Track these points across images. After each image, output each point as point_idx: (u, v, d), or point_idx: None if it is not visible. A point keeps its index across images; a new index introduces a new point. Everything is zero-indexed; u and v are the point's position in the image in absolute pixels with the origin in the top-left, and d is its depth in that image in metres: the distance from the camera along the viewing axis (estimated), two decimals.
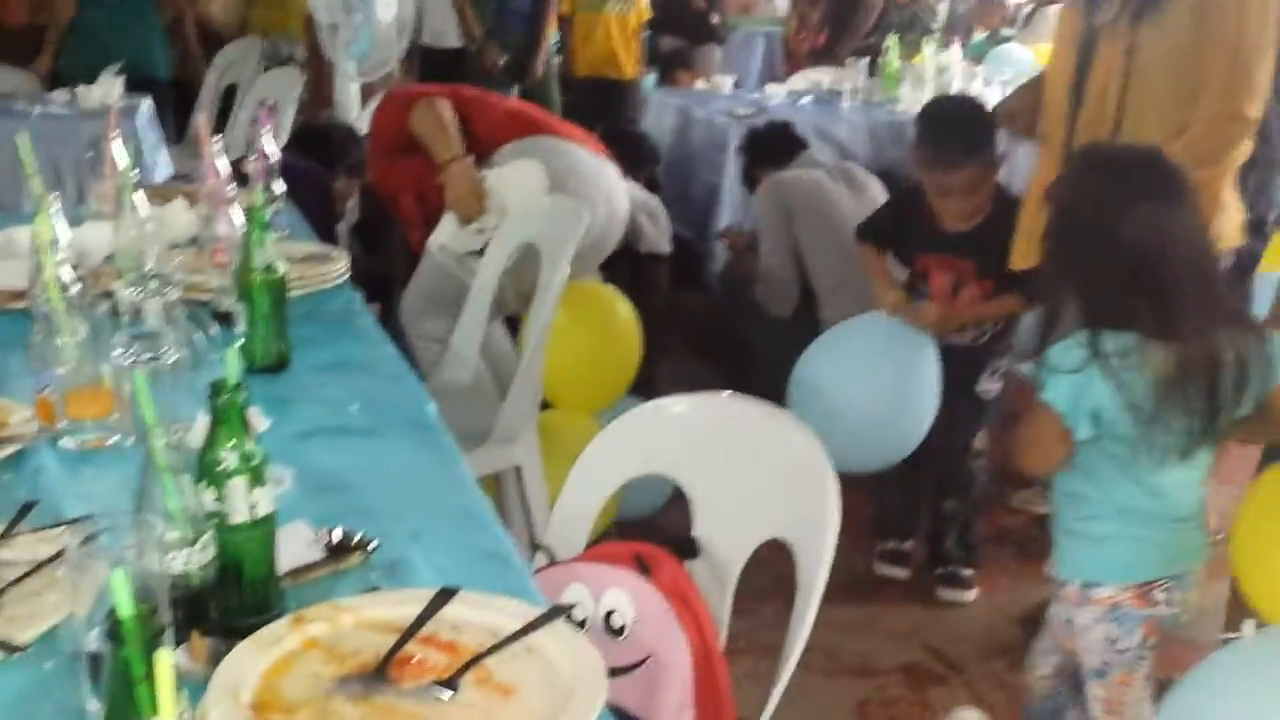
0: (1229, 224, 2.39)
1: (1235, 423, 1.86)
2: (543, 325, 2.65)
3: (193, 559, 1.12)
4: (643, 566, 1.49)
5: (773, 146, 3.92)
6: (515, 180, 2.97)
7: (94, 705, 1.02)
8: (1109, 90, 2.34)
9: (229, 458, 1.14)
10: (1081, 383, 1.80)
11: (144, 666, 0.78)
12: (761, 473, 1.59)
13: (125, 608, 0.79)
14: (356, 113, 4.59)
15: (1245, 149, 2.29)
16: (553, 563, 1.59)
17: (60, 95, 4.23)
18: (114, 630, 0.80)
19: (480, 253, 2.93)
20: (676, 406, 1.68)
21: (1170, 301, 1.78)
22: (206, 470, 1.14)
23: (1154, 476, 1.86)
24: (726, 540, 1.61)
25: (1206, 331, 1.79)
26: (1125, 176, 1.88)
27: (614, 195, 3.18)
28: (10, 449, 1.52)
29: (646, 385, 3.15)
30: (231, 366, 1.16)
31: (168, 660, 0.68)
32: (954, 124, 2.85)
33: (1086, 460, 1.87)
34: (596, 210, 2.95)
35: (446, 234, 3.01)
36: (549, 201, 2.90)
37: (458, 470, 1.56)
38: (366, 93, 4.62)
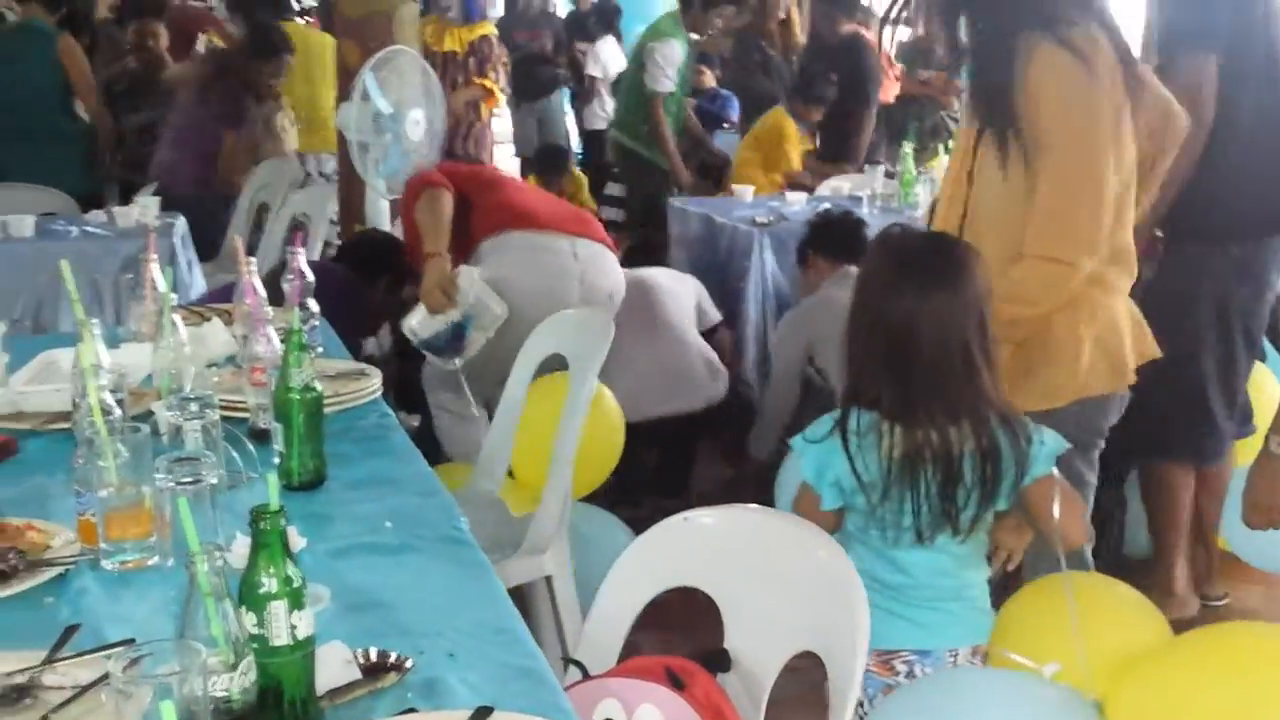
0: (1085, 373, 2.23)
1: (996, 514, 1.93)
2: (571, 436, 2.68)
3: (235, 683, 1.13)
4: (676, 681, 1.50)
5: (838, 239, 3.98)
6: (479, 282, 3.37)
7: None
8: (951, 211, 2.31)
9: (269, 582, 1.17)
10: (823, 454, 1.90)
11: None
12: (791, 584, 1.60)
13: None
14: (387, 228, 4.69)
15: (1074, 291, 2.17)
16: (586, 678, 1.60)
17: (97, 215, 4.35)
18: None
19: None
20: (705, 518, 1.70)
21: (910, 386, 1.86)
22: (247, 594, 1.17)
23: (896, 553, 1.92)
24: (759, 652, 1.62)
25: (942, 420, 1.85)
26: (900, 259, 1.96)
27: (597, 281, 3.48)
28: (53, 572, 1.55)
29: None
30: (272, 491, 1.19)
31: None
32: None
33: (847, 527, 1.96)
34: (569, 297, 3.38)
35: (416, 320, 3.41)
36: (577, 314, 2.95)
37: (491, 586, 1.58)
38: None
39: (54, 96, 4.95)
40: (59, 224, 4.23)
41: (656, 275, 4.14)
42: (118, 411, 1.68)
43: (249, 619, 1.16)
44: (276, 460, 1.87)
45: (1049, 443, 1.92)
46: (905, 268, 1.93)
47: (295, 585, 1.18)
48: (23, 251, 3.93)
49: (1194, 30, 2.97)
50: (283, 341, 1.97)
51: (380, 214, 4.74)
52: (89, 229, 4.15)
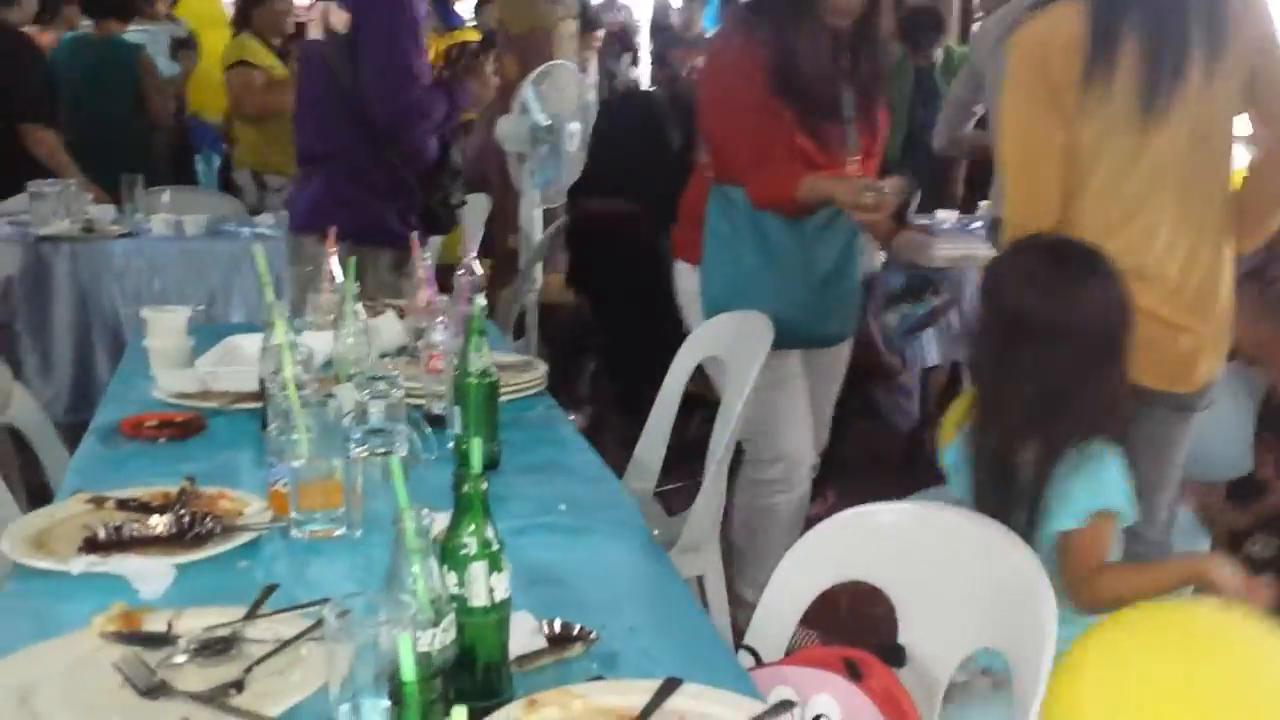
0: None
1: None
2: (727, 440, 2.68)
3: (436, 639, 1.16)
4: (853, 672, 1.48)
5: None
6: None
7: None
8: None
9: (471, 543, 1.19)
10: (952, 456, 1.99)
11: None
12: (971, 582, 1.57)
13: (408, 672, 0.83)
14: (539, 236, 4.77)
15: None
16: (759, 665, 1.59)
17: (266, 218, 4.51)
18: (396, 693, 0.84)
19: None
20: (883, 514, 1.68)
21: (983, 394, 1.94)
22: (449, 555, 1.19)
23: None
24: (934, 649, 1.59)
25: (1009, 429, 1.86)
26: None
27: None
28: (247, 536, 1.60)
29: None
30: (475, 456, 1.22)
31: (461, 716, 0.71)
32: None
33: None
34: None
35: None
36: (735, 318, 2.95)
37: (666, 568, 1.59)
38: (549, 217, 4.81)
39: (133, 106, 5.25)
40: (229, 226, 4.40)
41: None
42: (310, 387, 1.73)
43: (450, 579, 1.18)
44: (451, 444, 1.91)
45: (1081, 497, 1.80)
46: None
47: (494, 549, 1.20)
48: (196, 249, 4.10)
49: None
50: (462, 330, 2.02)
51: (533, 222, 4.81)
52: (258, 229, 4.31)
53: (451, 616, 1.17)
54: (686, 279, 3.23)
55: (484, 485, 1.20)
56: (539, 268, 4.84)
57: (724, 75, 2.80)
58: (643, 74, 8.33)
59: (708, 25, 9.41)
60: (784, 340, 2.70)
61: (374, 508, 1.65)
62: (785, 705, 1.18)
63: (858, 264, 3.00)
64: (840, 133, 2.75)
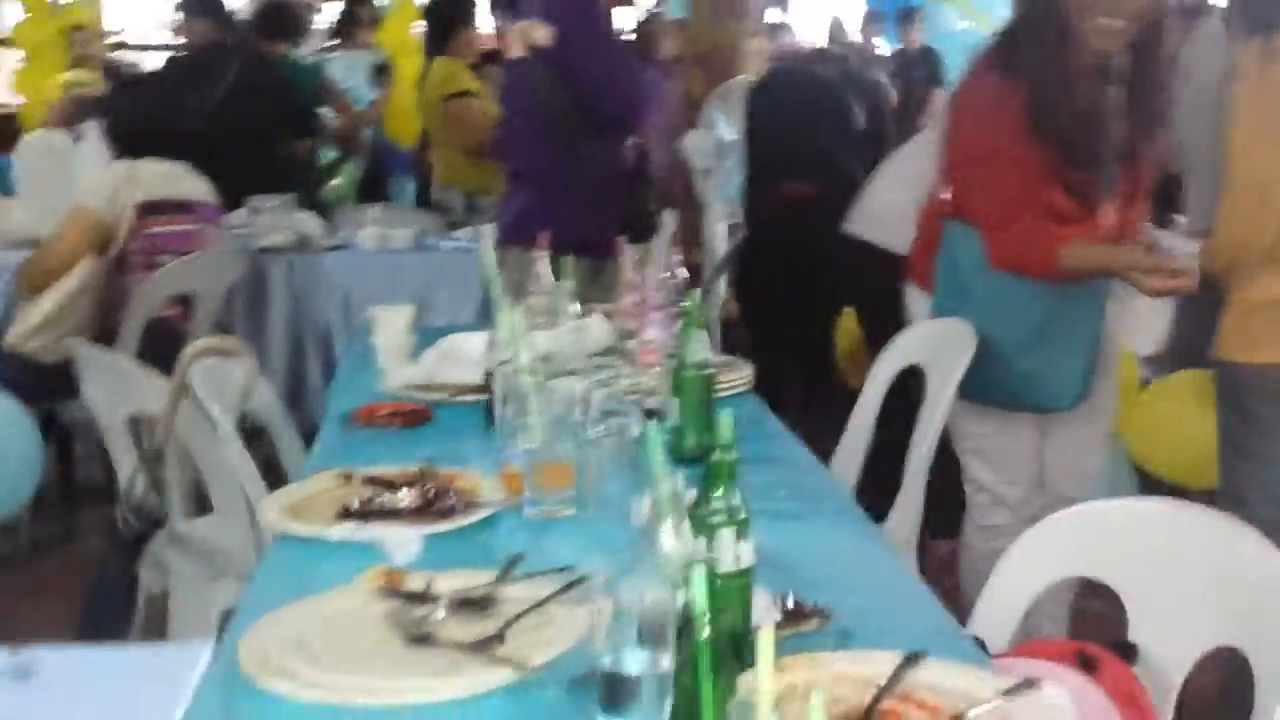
0: None
1: None
2: (929, 444, 2.67)
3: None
4: (1087, 665, 1.47)
5: None
6: None
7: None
8: None
9: (720, 509, 1.23)
10: None
11: (712, 661, 0.86)
12: (1206, 578, 1.54)
13: (700, 601, 0.87)
14: (723, 249, 4.82)
15: None
16: (985, 655, 1.58)
17: (466, 232, 4.68)
18: (684, 628, 0.88)
19: None
20: (1113, 509, 1.66)
21: None
22: (698, 521, 1.24)
23: None
24: (1168, 648, 1.56)
25: None
26: None
27: None
28: (488, 511, 1.69)
29: None
30: (724, 427, 1.26)
31: (768, 636, 0.75)
32: None
33: None
34: None
35: None
36: (936, 324, 2.94)
37: (893, 554, 1.61)
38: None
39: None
40: (429, 240, 4.58)
41: None
42: (540, 374, 1.81)
43: (699, 544, 1.23)
44: (669, 438, 1.96)
45: None
46: None
47: (742, 516, 1.24)
48: (402, 262, 4.28)
49: None
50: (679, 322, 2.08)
51: (716, 236, 4.88)
52: (459, 243, 4.47)
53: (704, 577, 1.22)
54: (919, 305, 3.01)
55: (733, 455, 1.25)
56: (722, 282, 4.90)
57: (974, 116, 2.58)
58: None
59: (888, 43, 9.39)
60: (1009, 400, 2.62)
61: (606, 490, 1.71)
62: (1030, 682, 1.18)
63: (1102, 323, 2.73)
64: (1096, 179, 2.50)
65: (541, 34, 3.43)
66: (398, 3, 8.70)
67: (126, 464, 2.39)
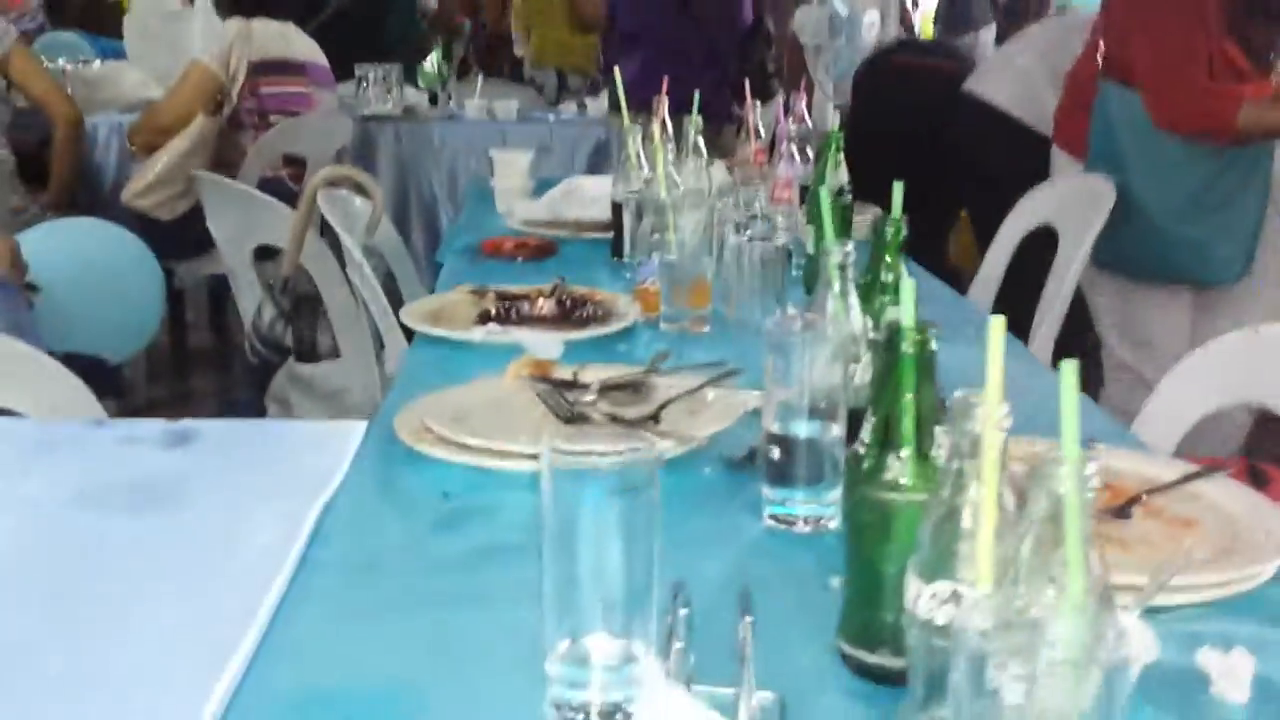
0: None
1: None
2: (1058, 312, 2.59)
3: (855, 376, 1.16)
4: (1256, 478, 1.41)
5: None
6: None
7: (767, 490, 1.10)
8: None
9: (888, 284, 1.19)
10: None
11: (914, 375, 0.83)
12: None
13: (908, 317, 0.83)
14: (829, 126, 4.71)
15: None
16: None
17: (568, 106, 4.64)
18: (890, 339, 0.84)
19: None
20: (1275, 331, 1.58)
21: None
22: (866, 299, 1.20)
23: None
24: None
25: None
26: None
27: None
28: (627, 320, 1.66)
29: None
30: (897, 198, 1.21)
31: (1000, 326, 0.71)
32: None
33: None
34: None
35: None
36: (1067, 182, 2.83)
37: (1046, 369, 1.55)
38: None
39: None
40: (536, 113, 4.53)
41: None
42: (681, 189, 1.76)
43: (867, 320, 1.19)
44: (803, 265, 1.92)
45: None
46: None
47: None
48: (508, 131, 4.24)
49: None
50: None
51: (826, 117, 4.75)
52: (563, 116, 4.43)
53: (869, 357, 1.18)
54: (1070, 173, 2.86)
55: (904, 230, 1.20)
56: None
57: None
58: None
59: None
60: (1165, 272, 2.50)
61: (743, 311, 1.67)
62: (1218, 467, 1.13)
63: (1266, 193, 2.60)
64: (1275, 31, 2.35)
65: None
66: None
67: (252, 296, 2.40)
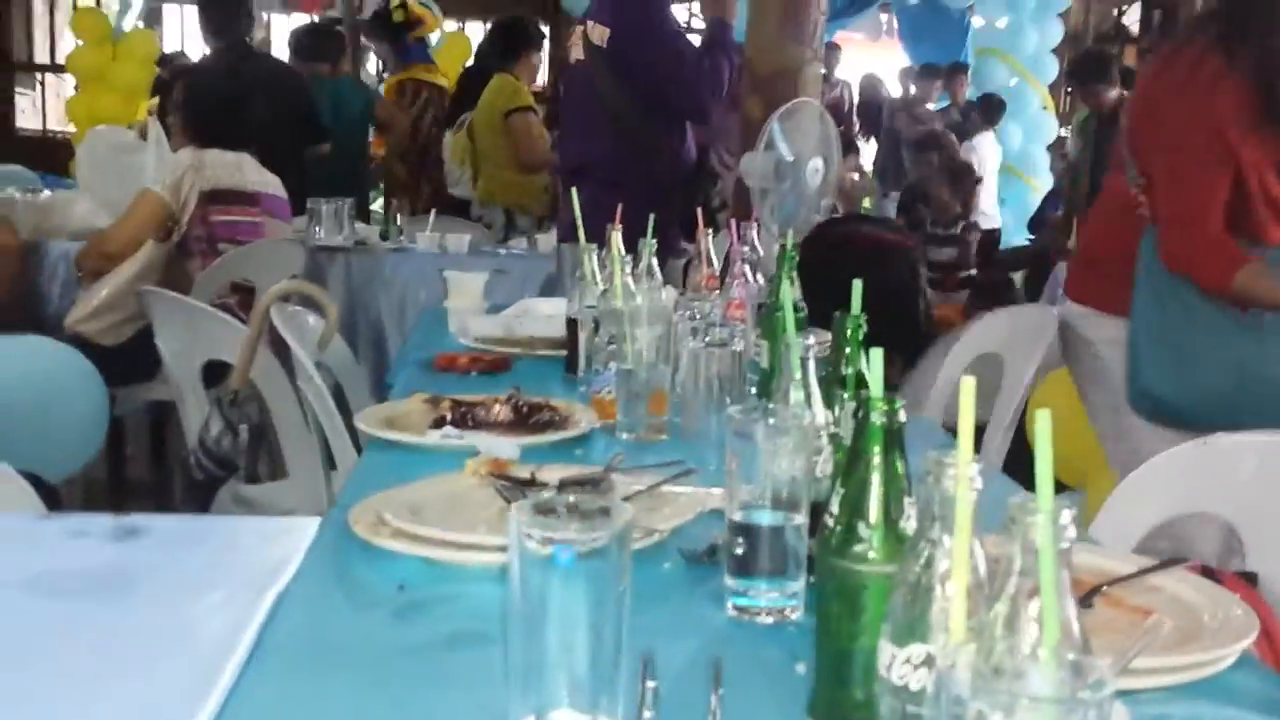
0: None
1: None
2: (1001, 435, 2.64)
3: (816, 468, 1.17)
4: (1210, 577, 1.42)
5: None
6: None
7: (730, 581, 1.09)
8: None
9: (847, 382, 1.20)
10: None
11: (880, 441, 0.83)
12: None
13: (877, 388, 0.84)
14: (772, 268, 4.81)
15: None
16: None
17: (519, 242, 4.72)
18: (860, 410, 0.85)
19: None
20: (1223, 441, 1.61)
21: None
22: (828, 394, 1.21)
23: None
24: None
25: None
26: None
27: None
28: (583, 427, 1.65)
29: None
30: (855, 298, 1.23)
31: (970, 386, 0.72)
32: None
33: None
34: None
35: None
36: (1010, 313, 2.91)
37: (998, 472, 1.56)
38: None
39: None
40: (486, 248, 4.59)
41: None
42: (638, 300, 1.78)
43: (828, 414, 1.19)
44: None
45: None
46: None
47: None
48: (459, 264, 4.26)
49: None
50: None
51: (773, 258, 4.85)
52: (514, 251, 4.49)
53: (830, 450, 1.18)
54: (1093, 328, 2.50)
55: (863, 326, 1.22)
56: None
57: (1180, 106, 2.20)
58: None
59: (942, 101, 9.42)
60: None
61: (700, 422, 1.68)
62: (1177, 560, 1.14)
63: None
64: None
65: (599, 34, 3.47)
66: (450, 37, 8.85)
67: (198, 413, 2.37)
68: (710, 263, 2.65)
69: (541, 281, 4.21)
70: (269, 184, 3.82)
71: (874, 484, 0.84)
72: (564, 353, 2.14)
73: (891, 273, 4.26)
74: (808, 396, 1.18)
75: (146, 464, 4.43)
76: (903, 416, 0.85)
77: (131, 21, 9.09)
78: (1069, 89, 10.80)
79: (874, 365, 0.87)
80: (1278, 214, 2.19)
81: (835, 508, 0.86)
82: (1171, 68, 2.27)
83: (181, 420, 2.54)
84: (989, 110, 8.58)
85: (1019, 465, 2.78)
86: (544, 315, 2.36)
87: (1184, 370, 2.21)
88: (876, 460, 0.83)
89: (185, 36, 9.72)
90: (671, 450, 1.64)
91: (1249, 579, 1.51)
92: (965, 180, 6.89)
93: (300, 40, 5.93)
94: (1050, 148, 9.14)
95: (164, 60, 7.75)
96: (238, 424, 2.17)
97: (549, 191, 5.39)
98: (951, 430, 2.47)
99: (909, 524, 0.84)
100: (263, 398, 2.26)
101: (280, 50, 7.17)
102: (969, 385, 0.73)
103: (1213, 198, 2.16)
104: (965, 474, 0.72)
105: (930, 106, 9.06)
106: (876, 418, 0.84)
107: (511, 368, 2.18)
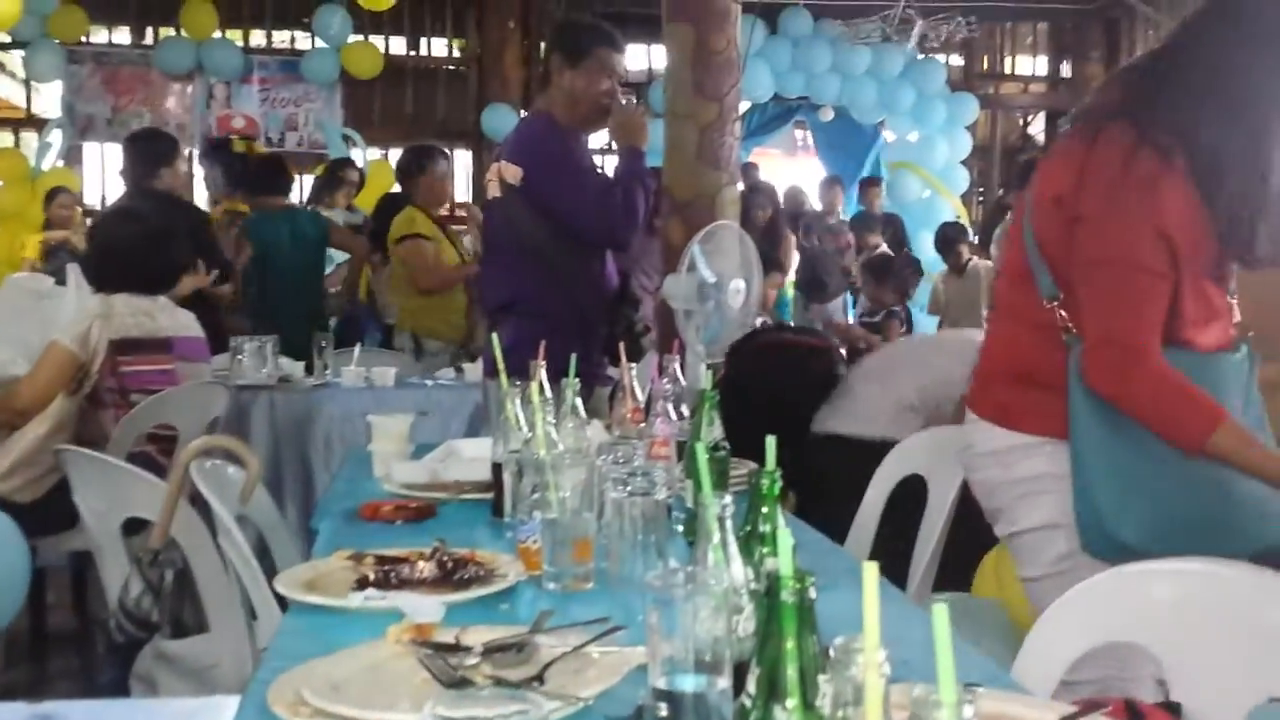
0: None
1: None
2: (930, 553, 2.65)
3: (739, 626, 1.17)
4: (1135, 717, 1.43)
5: None
6: None
7: None
8: None
9: (765, 535, 1.21)
10: None
11: (795, 624, 0.84)
12: (1251, 636, 1.51)
13: (787, 566, 0.85)
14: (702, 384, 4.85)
15: None
16: None
17: (446, 372, 4.71)
18: (771, 589, 0.85)
19: None
20: (1146, 573, 1.64)
21: None
22: (746, 550, 1.21)
23: None
24: (1213, 706, 1.52)
25: None
26: None
27: None
28: (509, 580, 1.64)
29: None
30: (770, 452, 1.25)
31: (873, 573, 0.73)
32: None
33: None
34: None
35: None
36: (934, 434, 2.95)
37: (923, 611, 1.57)
38: None
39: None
40: (414, 379, 4.58)
41: None
42: (560, 447, 1.79)
43: (748, 571, 1.20)
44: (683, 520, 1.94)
45: None
46: None
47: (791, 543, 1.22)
48: (385, 399, 4.26)
49: None
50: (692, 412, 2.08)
51: (699, 378, 4.89)
52: (441, 381, 4.48)
53: (751, 608, 1.19)
54: (989, 436, 2.14)
55: (779, 481, 1.23)
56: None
57: (1117, 208, 1.90)
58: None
59: (848, 210, 9.68)
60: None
61: (626, 567, 1.68)
62: (1096, 705, 1.15)
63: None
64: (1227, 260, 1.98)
65: (512, 173, 3.52)
66: (374, 165, 8.93)
67: (118, 571, 2.31)
68: (635, 396, 2.68)
69: (469, 413, 4.21)
70: (183, 326, 3.76)
71: (788, 666, 0.84)
72: (490, 495, 2.13)
73: (815, 372, 4.38)
74: (725, 555, 1.18)
75: (69, 614, 4.30)
76: (814, 593, 0.86)
77: (51, 160, 9.06)
78: (980, 198, 11.16)
79: (783, 547, 0.88)
80: (1210, 314, 1.97)
81: (752, 687, 0.86)
82: (1093, 161, 1.93)
83: (101, 577, 2.47)
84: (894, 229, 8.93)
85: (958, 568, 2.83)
86: (469, 457, 2.35)
87: (1156, 506, 1.91)
88: (789, 644, 0.84)
89: (106, 175, 9.67)
90: (599, 598, 1.63)
91: (1173, 709, 1.53)
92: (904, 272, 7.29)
93: (256, 173, 6.02)
94: None
95: (52, 195, 7.76)
96: (158, 583, 2.12)
97: (466, 316, 5.40)
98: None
99: (825, 703, 0.84)
100: (184, 554, 2.21)
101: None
102: (871, 570, 0.74)
103: (1158, 318, 1.89)
104: (873, 660, 0.73)
105: (841, 217, 9.32)
106: (788, 596, 0.85)
107: (437, 514, 2.16)
